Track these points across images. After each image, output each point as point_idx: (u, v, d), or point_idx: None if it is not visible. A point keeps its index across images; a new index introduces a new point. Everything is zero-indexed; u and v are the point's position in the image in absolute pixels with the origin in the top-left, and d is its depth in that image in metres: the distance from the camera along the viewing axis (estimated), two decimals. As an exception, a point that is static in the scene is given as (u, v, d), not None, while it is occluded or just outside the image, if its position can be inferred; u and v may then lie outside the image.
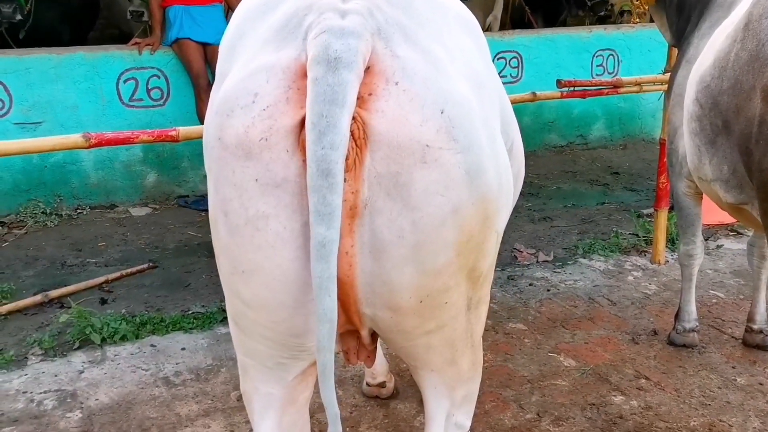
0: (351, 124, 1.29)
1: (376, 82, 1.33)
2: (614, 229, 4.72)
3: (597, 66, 6.56)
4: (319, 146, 1.25)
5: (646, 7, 3.72)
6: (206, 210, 5.06)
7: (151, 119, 5.14)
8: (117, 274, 4.04)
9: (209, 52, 5.01)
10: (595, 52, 6.53)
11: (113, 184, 5.19)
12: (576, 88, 3.68)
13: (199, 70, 4.94)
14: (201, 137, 3.79)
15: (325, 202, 1.26)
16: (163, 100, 5.15)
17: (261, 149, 1.31)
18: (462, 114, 1.37)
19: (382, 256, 1.35)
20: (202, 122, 4.99)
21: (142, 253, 4.46)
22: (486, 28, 6.76)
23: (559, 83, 3.64)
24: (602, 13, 6.78)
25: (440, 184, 1.34)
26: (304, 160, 1.29)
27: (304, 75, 1.33)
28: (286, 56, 1.36)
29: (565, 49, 6.40)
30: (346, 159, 1.28)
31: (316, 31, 1.33)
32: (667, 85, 3.94)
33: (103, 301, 3.76)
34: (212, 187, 1.42)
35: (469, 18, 1.67)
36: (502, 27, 6.98)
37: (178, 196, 5.35)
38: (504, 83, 6.61)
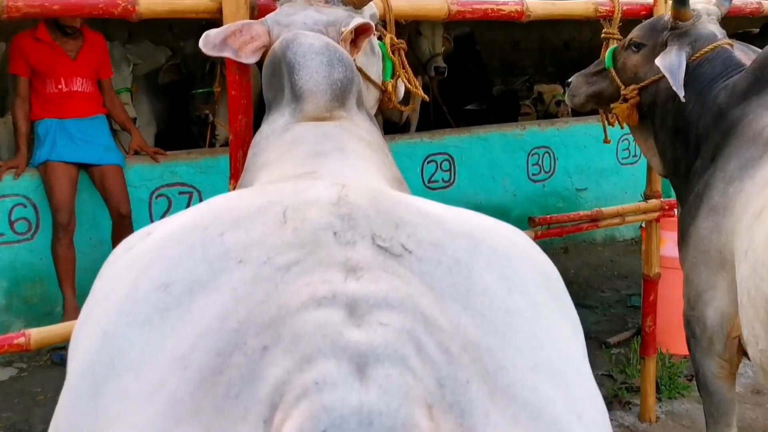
0: None
1: None
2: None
3: (533, 165, 6.02)
4: None
5: (623, 125, 3.13)
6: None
7: (16, 257, 4.13)
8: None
9: (97, 174, 4.09)
10: (531, 150, 6.00)
11: (-34, 340, 4.09)
12: (552, 226, 3.00)
13: (62, 201, 3.96)
14: (60, 342, 2.69)
15: None
16: (30, 234, 4.16)
17: None
18: None
19: None
20: (57, 265, 4.03)
21: (-2, 445, 3.41)
22: (403, 123, 6.07)
23: (532, 221, 2.95)
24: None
25: None
26: None
27: None
28: None
29: (499, 149, 5.83)
30: None
31: (304, 422, 0.56)
32: (653, 221, 3.35)
33: None
34: None
35: (549, 270, 0.94)
36: (423, 125, 6.25)
37: (53, 349, 4.29)
38: (436, 188, 5.77)
